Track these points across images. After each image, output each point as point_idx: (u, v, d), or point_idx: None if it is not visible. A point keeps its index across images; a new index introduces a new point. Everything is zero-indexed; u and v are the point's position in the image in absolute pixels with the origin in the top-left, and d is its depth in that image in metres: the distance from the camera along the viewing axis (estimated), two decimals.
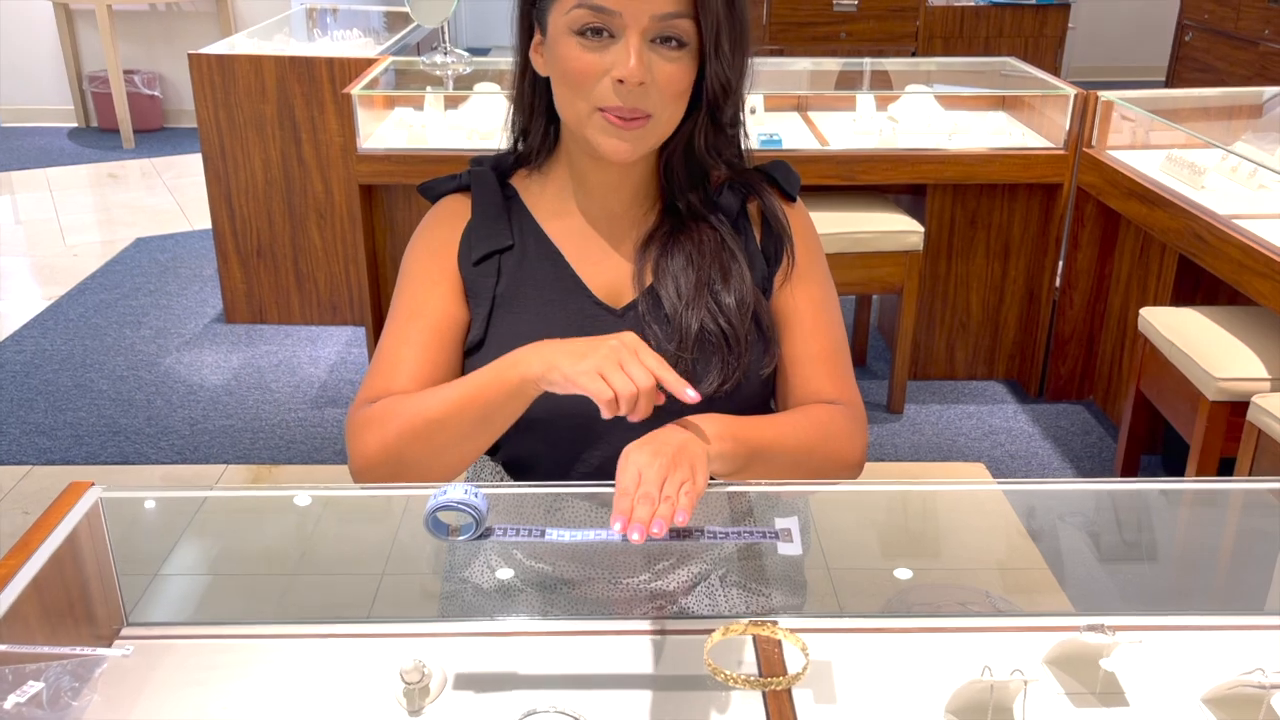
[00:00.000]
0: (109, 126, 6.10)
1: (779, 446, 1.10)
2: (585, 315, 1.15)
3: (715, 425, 1.05)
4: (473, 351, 1.16)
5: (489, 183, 1.19)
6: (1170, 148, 2.85)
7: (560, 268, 1.17)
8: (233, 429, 3.06)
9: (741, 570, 1.24)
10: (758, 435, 1.08)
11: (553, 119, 1.14)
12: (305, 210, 3.60)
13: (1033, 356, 3.25)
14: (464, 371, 1.17)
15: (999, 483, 2.41)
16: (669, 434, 1.01)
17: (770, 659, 0.95)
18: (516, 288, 1.17)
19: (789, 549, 0.94)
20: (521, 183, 1.21)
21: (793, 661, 0.96)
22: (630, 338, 0.98)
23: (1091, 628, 1.00)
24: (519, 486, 1.20)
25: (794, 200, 1.22)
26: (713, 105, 1.10)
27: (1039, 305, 3.20)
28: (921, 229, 2.98)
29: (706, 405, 1.13)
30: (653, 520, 0.88)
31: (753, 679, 0.76)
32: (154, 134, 6.19)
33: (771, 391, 1.21)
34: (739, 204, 1.19)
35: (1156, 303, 2.79)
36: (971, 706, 0.96)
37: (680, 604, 1.20)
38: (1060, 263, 3.13)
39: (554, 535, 0.95)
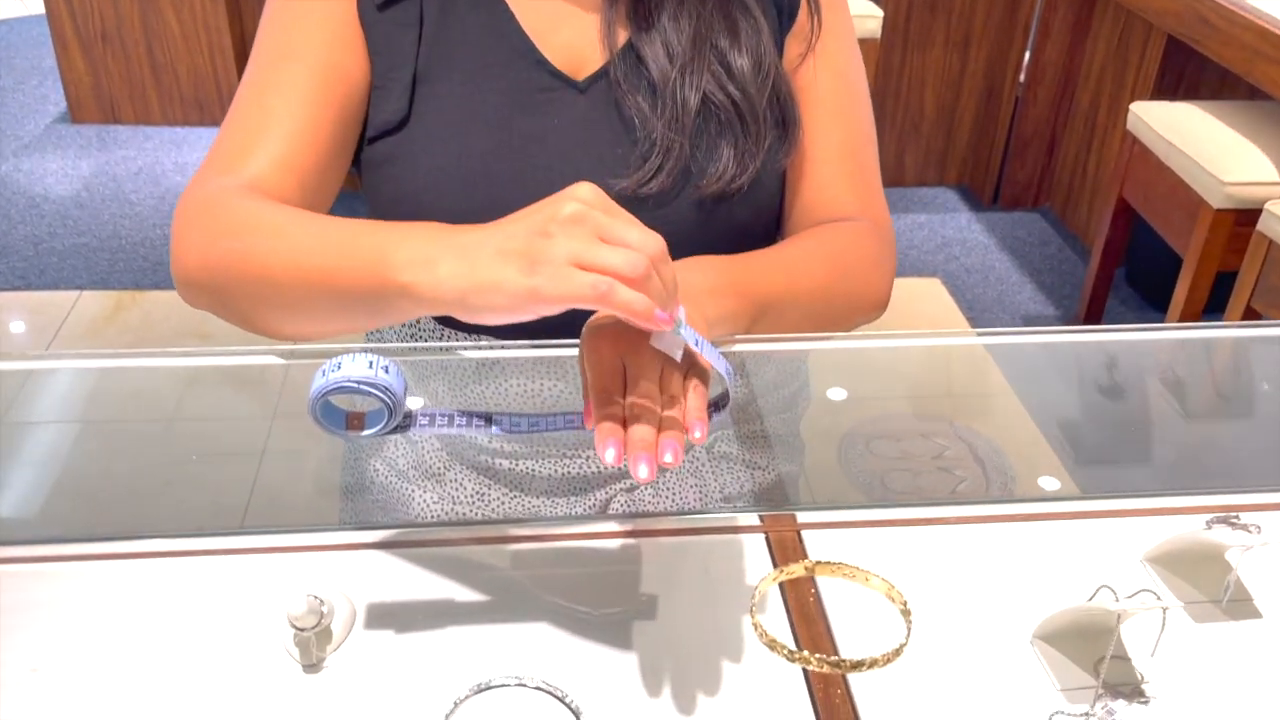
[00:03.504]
0: None
1: (791, 296, 0.80)
2: (533, 88, 0.81)
3: (710, 276, 0.74)
4: (389, 133, 0.81)
5: None
6: None
7: (501, 20, 0.81)
8: (86, 248, 2.63)
9: (736, 437, 0.96)
10: (765, 285, 0.78)
11: None
12: None
13: (988, 160, 2.98)
14: (359, 159, 0.83)
15: (980, 333, 2.16)
16: None
17: (803, 602, 0.68)
18: (442, 47, 0.81)
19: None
20: None
21: (830, 593, 0.70)
22: (583, 194, 0.58)
23: (1221, 519, 0.76)
24: (446, 349, 0.88)
25: None
26: None
27: (999, 102, 2.91)
28: (880, 14, 2.62)
29: (708, 216, 0.82)
30: (661, 446, 0.58)
31: (838, 661, 0.48)
32: None
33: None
34: None
35: (1135, 98, 2.52)
36: (1070, 631, 0.71)
37: (659, 484, 0.92)
38: (1027, 54, 2.83)
39: (504, 426, 0.65)
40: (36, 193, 2.85)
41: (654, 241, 0.57)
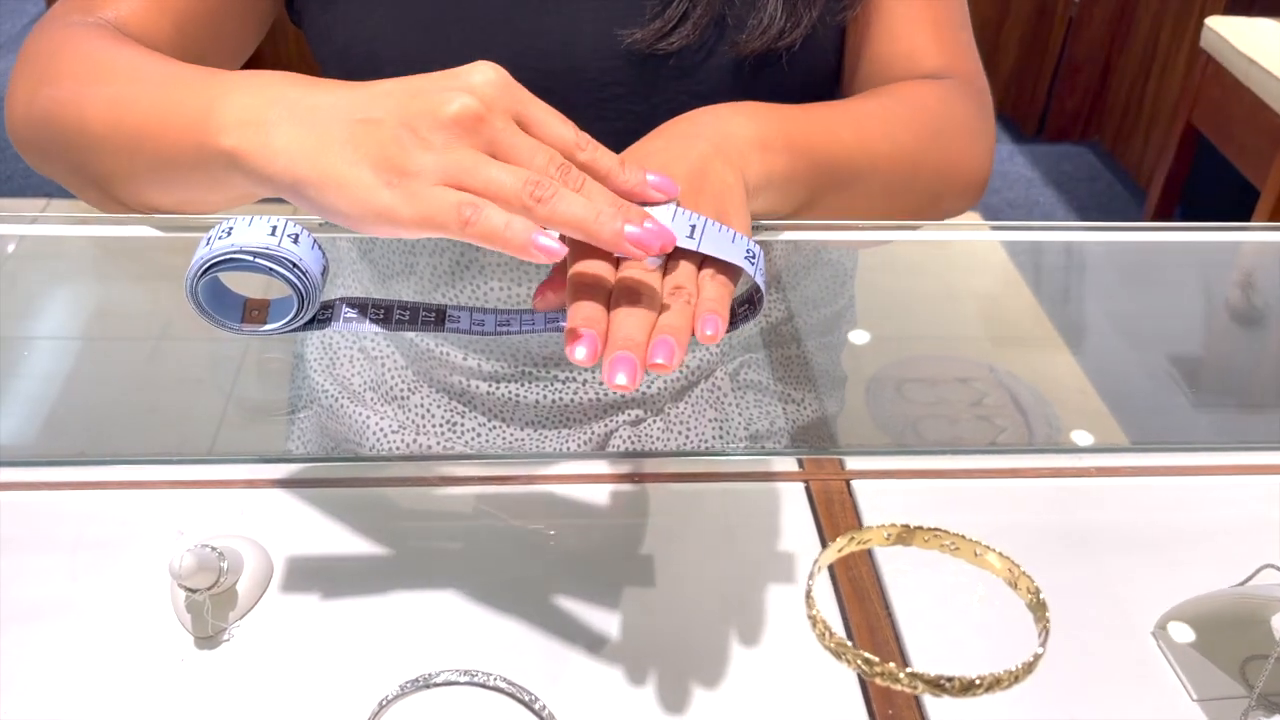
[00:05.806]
0: None
1: (866, 161, 0.61)
2: None
3: (758, 124, 0.55)
4: None
5: None
6: None
7: None
8: None
9: (767, 363, 0.78)
10: (831, 143, 0.59)
11: None
12: None
13: (1034, 87, 2.75)
14: (294, 3, 0.65)
15: (995, 226, 2.00)
16: (672, 146, 0.51)
17: (859, 581, 0.51)
18: None
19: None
20: None
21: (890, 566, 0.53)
22: (480, 82, 0.42)
23: None
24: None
25: None
26: None
27: (1050, 23, 2.67)
28: None
29: (748, 81, 0.64)
30: (654, 343, 0.41)
31: (942, 680, 0.31)
32: None
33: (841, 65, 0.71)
34: None
35: (1205, 15, 2.29)
36: (1212, 623, 0.54)
37: (668, 415, 0.75)
38: None
39: (462, 323, 0.47)
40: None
41: (581, 141, 0.44)
